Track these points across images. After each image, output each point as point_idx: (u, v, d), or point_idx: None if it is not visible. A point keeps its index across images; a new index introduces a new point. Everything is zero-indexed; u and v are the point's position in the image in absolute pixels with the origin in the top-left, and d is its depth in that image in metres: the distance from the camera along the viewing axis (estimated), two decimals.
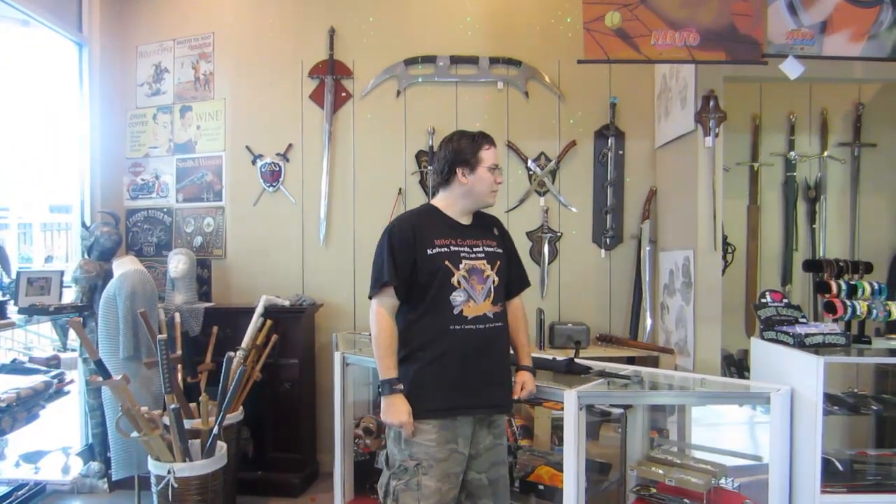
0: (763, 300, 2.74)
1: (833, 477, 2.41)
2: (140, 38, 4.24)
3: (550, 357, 2.74)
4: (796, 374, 2.39)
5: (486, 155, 2.13)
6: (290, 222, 4.05)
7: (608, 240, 3.93)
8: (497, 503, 2.17)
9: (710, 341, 3.23)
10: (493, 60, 3.97)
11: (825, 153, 3.92)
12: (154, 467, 2.76)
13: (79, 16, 4.01)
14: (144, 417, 2.68)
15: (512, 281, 2.26)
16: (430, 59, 3.99)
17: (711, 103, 3.21)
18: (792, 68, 2.87)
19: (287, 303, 3.69)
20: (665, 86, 3.72)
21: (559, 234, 3.97)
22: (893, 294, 3.72)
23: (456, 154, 2.12)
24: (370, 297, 2.10)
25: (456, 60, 3.98)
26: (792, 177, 3.90)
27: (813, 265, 3.02)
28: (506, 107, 3.98)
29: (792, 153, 3.90)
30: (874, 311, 2.59)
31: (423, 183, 3.99)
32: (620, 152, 3.95)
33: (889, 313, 2.61)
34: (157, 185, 4.21)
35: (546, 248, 3.94)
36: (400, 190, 3.98)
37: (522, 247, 3.96)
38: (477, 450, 2.12)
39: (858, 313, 2.59)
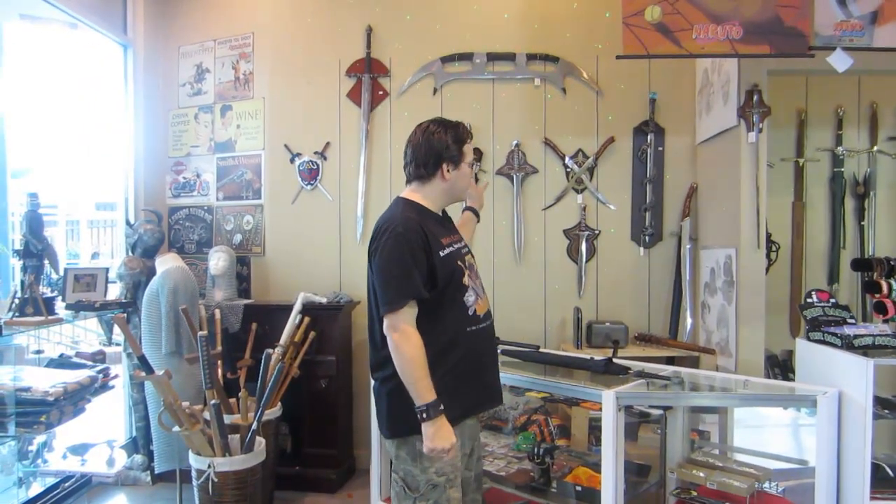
0: (809, 300, 2.66)
1: (883, 483, 2.34)
2: (182, 38, 4.34)
3: (588, 357, 2.72)
4: (844, 377, 2.32)
5: (468, 150, 2.03)
6: (328, 220, 4.10)
7: (647, 237, 3.87)
8: (479, 496, 2.15)
9: (752, 341, 3.16)
10: (531, 57, 3.94)
11: (875, 148, 3.79)
12: (195, 461, 2.83)
13: (123, 18, 4.13)
14: (185, 412, 2.75)
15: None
16: (466, 57, 3.99)
17: (755, 98, 3.13)
18: (840, 61, 2.77)
19: (324, 300, 3.73)
20: (706, 80, 3.64)
21: (597, 232, 3.92)
22: None
23: (445, 147, 1.97)
24: (386, 314, 1.85)
25: (493, 57, 3.97)
26: (839, 172, 3.78)
27: (862, 264, 2.92)
28: (543, 103, 3.95)
29: (839, 148, 3.78)
30: None
31: None
32: (660, 148, 3.88)
33: None
34: (198, 184, 4.31)
35: (583, 246, 3.90)
36: None
37: (560, 245, 3.94)
38: (472, 447, 2.08)
39: None
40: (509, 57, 3.95)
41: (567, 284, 3.93)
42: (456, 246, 2.00)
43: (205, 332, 3.04)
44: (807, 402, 2.31)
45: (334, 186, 4.10)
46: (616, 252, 3.91)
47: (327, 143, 4.10)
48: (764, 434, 3.25)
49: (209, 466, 2.76)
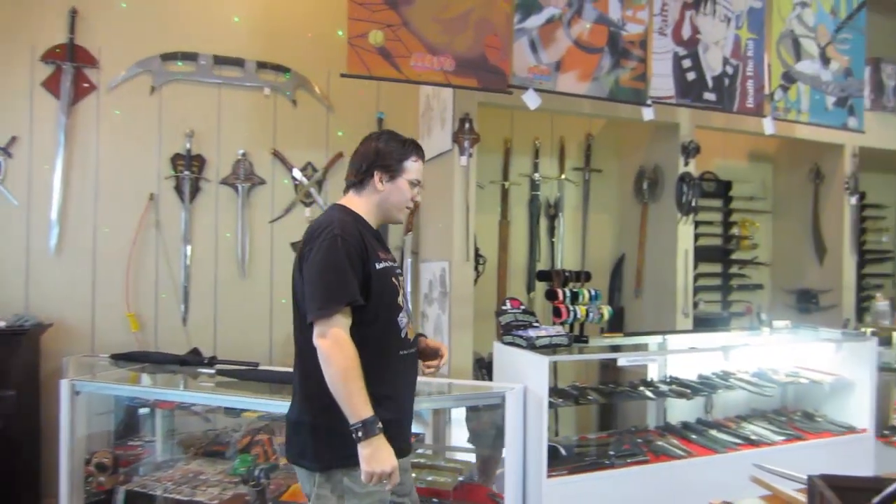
0: (503, 307, 3.01)
1: (559, 462, 2.70)
2: None
3: None
4: (529, 373, 2.66)
5: (412, 167, 1.90)
6: (12, 228, 3.49)
7: None
8: None
9: (463, 346, 3.48)
10: (261, 65, 3.85)
11: (562, 176, 4.47)
12: None
13: None
14: None
15: None
16: (191, 57, 3.75)
17: (467, 125, 3.47)
18: (531, 99, 3.21)
19: (3, 324, 3.15)
20: (428, 105, 3.93)
21: None
22: (611, 299, 4.39)
23: (379, 155, 1.87)
24: (317, 320, 1.67)
25: (220, 61, 3.79)
26: (536, 195, 4.38)
27: (544, 275, 3.40)
28: (273, 114, 3.88)
29: (536, 174, 4.38)
30: (590, 314, 3.00)
31: (178, 189, 3.70)
32: None
33: (601, 316, 3.05)
34: None
35: None
36: (152, 195, 3.66)
37: (287, 258, 3.84)
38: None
39: (579, 317, 2.98)
40: (238, 62, 3.81)
41: None
42: (391, 263, 1.88)
43: None
44: (499, 399, 2.60)
45: (22, 189, 3.50)
46: None
47: (13, 138, 3.50)
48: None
49: None
